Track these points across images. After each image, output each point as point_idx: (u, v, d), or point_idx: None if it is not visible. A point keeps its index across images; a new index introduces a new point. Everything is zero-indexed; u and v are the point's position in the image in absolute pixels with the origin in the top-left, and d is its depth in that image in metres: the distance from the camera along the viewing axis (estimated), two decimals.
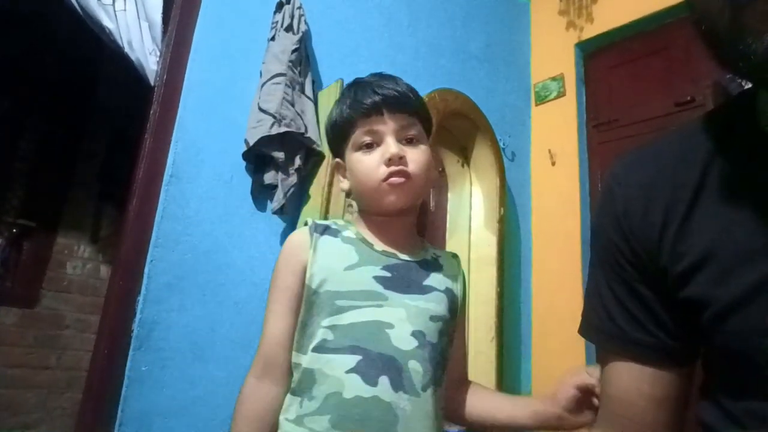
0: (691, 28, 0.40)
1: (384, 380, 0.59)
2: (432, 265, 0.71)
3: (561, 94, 2.03)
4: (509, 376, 1.67)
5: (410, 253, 0.70)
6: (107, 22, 1.15)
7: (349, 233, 0.69)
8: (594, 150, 1.95)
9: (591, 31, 2.01)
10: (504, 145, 1.88)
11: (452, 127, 1.69)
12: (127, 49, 1.17)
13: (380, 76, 0.71)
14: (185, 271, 1.12)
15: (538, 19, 2.23)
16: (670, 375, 0.46)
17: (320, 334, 0.62)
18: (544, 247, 1.94)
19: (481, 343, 1.57)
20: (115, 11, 1.15)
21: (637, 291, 0.46)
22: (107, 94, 2.77)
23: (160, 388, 1.05)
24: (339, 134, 0.71)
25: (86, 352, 2.42)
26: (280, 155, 1.20)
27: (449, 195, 1.78)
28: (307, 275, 0.64)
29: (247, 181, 1.25)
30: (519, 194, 1.97)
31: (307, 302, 0.64)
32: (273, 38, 1.28)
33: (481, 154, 1.75)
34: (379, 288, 0.64)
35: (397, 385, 0.60)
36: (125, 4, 1.17)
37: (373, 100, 0.67)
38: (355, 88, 0.71)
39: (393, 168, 0.65)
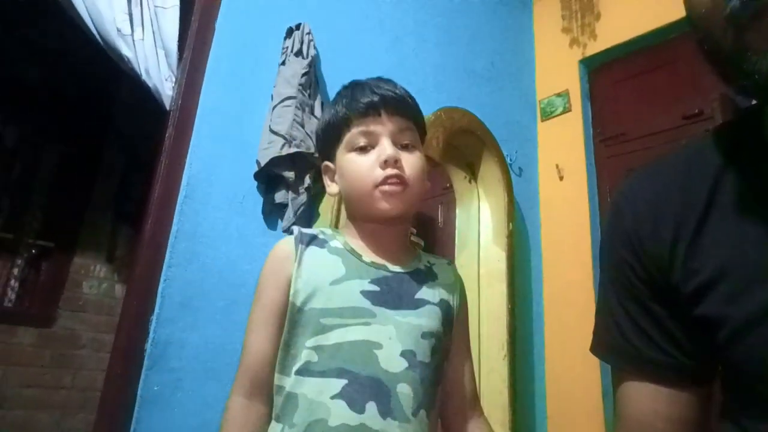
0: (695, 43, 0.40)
1: (371, 406, 0.55)
2: (425, 276, 0.67)
3: (567, 109, 2.04)
4: (523, 394, 1.64)
5: (402, 264, 0.66)
6: (126, 51, 1.20)
7: (336, 243, 0.65)
8: (602, 164, 1.94)
9: (595, 47, 2.03)
10: (511, 160, 1.89)
11: (459, 144, 1.71)
12: (144, 76, 1.21)
13: (378, 78, 0.69)
14: (198, 290, 1.14)
15: (541, 37, 2.26)
16: (687, 395, 0.45)
17: (304, 355, 0.58)
18: (554, 262, 1.92)
19: (494, 361, 1.55)
20: (133, 41, 1.20)
21: (650, 308, 0.46)
22: (124, 118, 2.85)
23: (173, 408, 1.06)
24: (332, 135, 0.67)
25: (101, 371, 2.43)
26: (290, 175, 1.22)
27: (457, 211, 1.79)
28: (291, 291, 0.60)
29: (259, 200, 1.28)
30: (527, 209, 1.97)
31: (290, 320, 0.60)
32: (283, 63, 1.32)
33: (489, 170, 1.76)
34: (366, 304, 0.60)
35: (386, 411, 0.55)
36: (143, 33, 1.22)
37: (371, 99, 0.64)
38: (352, 88, 0.68)
39: (389, 171, 0.62)
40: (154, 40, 1.24)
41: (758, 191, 0.41)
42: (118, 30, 1.19)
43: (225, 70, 1.29)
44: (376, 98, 0.64)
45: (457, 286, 0.70)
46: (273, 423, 0.58)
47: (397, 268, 0.65)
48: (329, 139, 0.68)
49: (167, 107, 1.23)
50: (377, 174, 0.62)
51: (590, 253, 1.81)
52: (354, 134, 0.64)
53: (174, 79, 1.25)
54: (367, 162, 0.63)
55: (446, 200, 1.83)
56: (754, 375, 0.39)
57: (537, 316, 1.87)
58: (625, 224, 0.48)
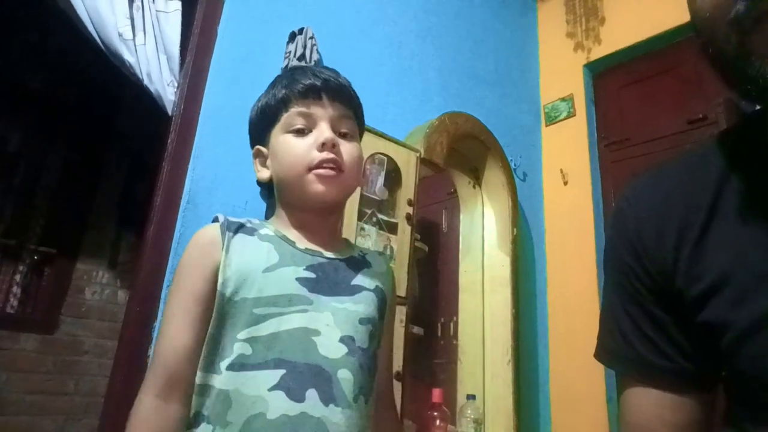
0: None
1: (312, 394, 0.53)
2: (360, 263, 0.66)
3: (571, 114, 2.04)
4: (527, 399, 1.63)
5: (336, 251, 0.65)
6: (128, 56, 1.20)
7: (266, 231, 0.63)
8: (606, 169, 1.94)
9: (599, 52, 2.03)
10: (515, 165, 1.88)
11: (463, 149, 1.71)
12: (146, 81, 1.21)
13: (321, 65, 0.69)
14: None
15: (545, 42, 2.26)
16: (692, 401, 0.45)
17: (236, 348, 0.54)
18: (558, 267, 1.91)
19: (498, 366, 1.54)
20: (135, 45, 1.20)
21: (653, 313, 0.46)
22: (126, 122, 2.86)
23: None
24: (268, 117, 0.65)
25: (104, 377, 2.43)
26: None
27: (461, 216, 1.78)
28: (219, 280, 0.57)
29: (262, 205, 1.27)
30: (532, 214, 1.96)
31: (218, 312, 0.56)
32: (286, 67, 1.32)
33: (493, 175, 1.75)
34: (303, 291, 0.58)
35: (328, 397, 0.54)
36: (145, 38, 1.22)
37: (313, 82, 0.63)
38: (293, 71, 0.67)
39: (325, 155, 0.60)
40: (156, 45, 1.24)
41: (762, 195, 0.40)
42: (120, 35, 1.19)
43: (227, 74, 1.29)
44: (318, 81, 0.63)
45: (389, 276, 0.70)
46: (203, 425, 0.53)
47: (332, 255, 0.64)
48: (265, 121, 0.66)
49: (170, 112, 1.22)
50: (313, 156, 0.61)
51: (595, 258, 1.80)
52: (292, 115, 0.63)
53: (176, 84, 1.25)
54: (304, 144, 0.61)
55: (450, 205, 1.82)
56: (757, 380, 0.38)
57: (541, 322, 1.86)
58: (628, 228, 0.48)
